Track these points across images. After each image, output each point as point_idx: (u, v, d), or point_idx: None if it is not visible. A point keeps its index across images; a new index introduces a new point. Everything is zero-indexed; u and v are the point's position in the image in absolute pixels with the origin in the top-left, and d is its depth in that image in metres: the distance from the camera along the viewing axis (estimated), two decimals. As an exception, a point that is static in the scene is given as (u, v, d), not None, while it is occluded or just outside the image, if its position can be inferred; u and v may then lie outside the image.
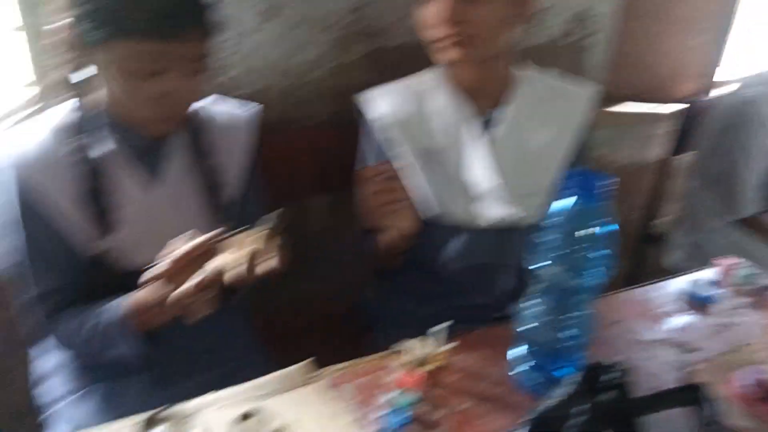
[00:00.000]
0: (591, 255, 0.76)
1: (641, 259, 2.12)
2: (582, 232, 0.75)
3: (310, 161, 1.43)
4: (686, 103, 1.91)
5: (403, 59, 1.49)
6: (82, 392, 1.05)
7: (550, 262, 0.78)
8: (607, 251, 0.77)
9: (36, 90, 1.31)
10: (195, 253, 0.81)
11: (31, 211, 0.93)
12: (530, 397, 0.86)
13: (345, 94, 1.46)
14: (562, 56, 1.68)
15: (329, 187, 1.50)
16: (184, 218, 1.03)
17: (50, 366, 1.12)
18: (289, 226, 0.85)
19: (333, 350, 1.43)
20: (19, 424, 1.45)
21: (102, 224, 0.96)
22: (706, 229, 1.77)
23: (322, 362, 1.37)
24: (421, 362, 0.87)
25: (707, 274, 1.19)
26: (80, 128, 0.94)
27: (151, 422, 0.73)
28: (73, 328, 0.96)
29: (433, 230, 1.21)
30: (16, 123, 1.22)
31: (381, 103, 1.20)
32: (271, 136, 1.16)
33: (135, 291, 0.92)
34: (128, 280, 0.99)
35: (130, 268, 0.99)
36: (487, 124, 1.18)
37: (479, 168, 1.15)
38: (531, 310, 0.85)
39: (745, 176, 1.64)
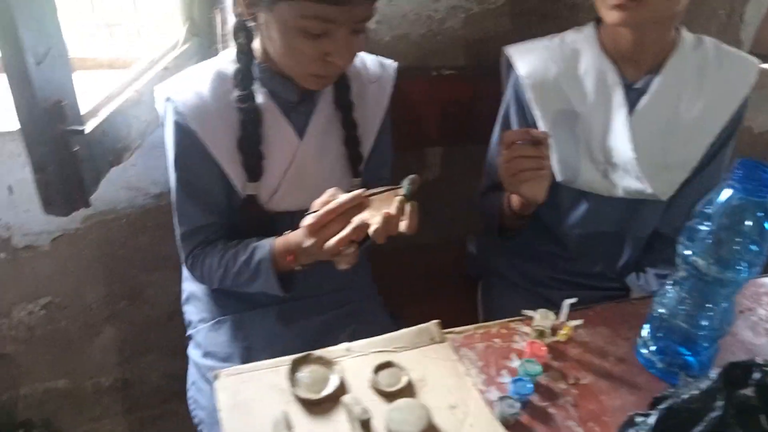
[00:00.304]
0: (743, 250, 0.73)
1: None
2: (740, 226, 0.72)
3: (435, 111, 1.43)
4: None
5: (538, 11, 1.43)
6: (212, 322, 1.16)
7: (699, 250, 0.75)
8: (760, 248, 0.73)
9: (183, 31, 1.38)
10: (347, 207, 0.86)
11: (190, 151, 1.01)
12: (654, 380, 0.86)
13: (478, 44, 1.43)
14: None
15: (451, 138, 1.50)
16: (326, 168, 1.09)
17: (189, 292, 1.25)
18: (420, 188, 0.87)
19: (440, 299, 1.50)
20: (153, 337, 1.63)
21: (253, 169, 1.03)
22: None
23: (430, 309, 1.44)
24: (545, 334, 0.88)
25: None
26: (239, 78, 0.99)
27: (297, 364, 0.80)
28: (223, 260, 1.05)
29: (560, 194, 1.19)
30: (170, 64, 1.30)
31: (531, 59, 1.15)
32: (402, 82, 1.16)
33: (284, 233, 0.99)
34: (271, 222, 1.07)
35: (274, 211, 1.07)
36: (635, 92, 1.11)
37: (618, 137, 1.10)
38: (669, 295, 0.83)
39: None
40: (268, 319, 1.15)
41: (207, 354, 1.14)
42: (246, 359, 1.10)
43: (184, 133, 1.00)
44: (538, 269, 1.33)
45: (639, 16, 0.97)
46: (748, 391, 0.68)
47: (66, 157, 1.00)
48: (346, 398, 0.74)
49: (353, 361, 0.82)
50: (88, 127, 1.05)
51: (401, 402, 0.75)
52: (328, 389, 0.77)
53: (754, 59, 1.11)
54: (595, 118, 1.11)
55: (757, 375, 0.67)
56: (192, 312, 1.22)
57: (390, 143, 1.20)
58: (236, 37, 0.98)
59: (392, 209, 0.85)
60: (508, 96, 1.19)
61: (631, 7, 0.95)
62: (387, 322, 1.26)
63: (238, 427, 0.72)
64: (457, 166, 1.64)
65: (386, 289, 1.32)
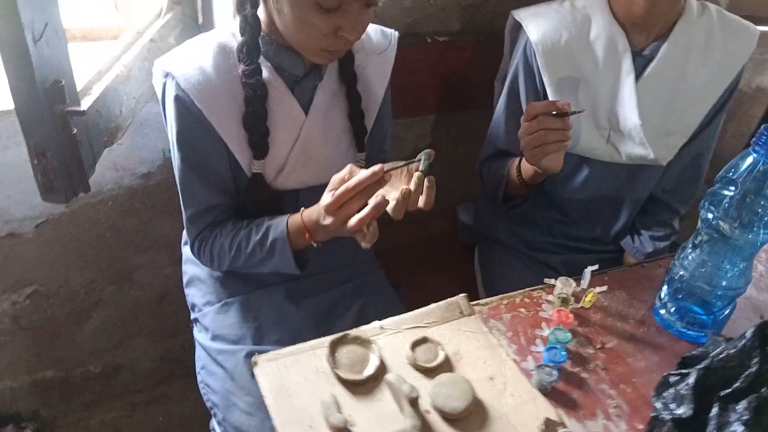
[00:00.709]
0: (765, 213, 0.76)
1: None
2: (765, 190, 0.74)
3: (431, 79, 1.41)
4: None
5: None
6: (220, 304, 1.13)
7: (723, 214, 0.78)
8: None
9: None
10: (367, 184, 0.84)
11: (194, 129, 0.96)
12: (674, 339, 0.89)
13: (470, 9, 1.41)
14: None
15: (445, 105, 1.49)
16: (332, 144, 1.06)
17: (191, 275, 1.22)
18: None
19: (435, 267, 1.51)
20: (143, 320, 1.59)
21: (259, 146, 0.99)
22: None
23: (427, 279, 1.45)
24: (568, 301, 0.90)
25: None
26: (244, 52, 0.94)
27: (334, 345, 0.79)
28: (235, 241, 1.02)
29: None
30: (155, 35, 1.23)
31: (542, 24, 1.14)
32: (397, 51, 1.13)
33: (299, 210, 0.97)
34: (278, 200, 1.05)
35: (280, 189, 1.04)
36: (643, 59, 1.12)
37: (626, 104, 1.12)
38: (689, 259, 0.86)
39: None
40: (276, 299, 1.13)
41: (216, 337, 1.12)
42: (257, 340, 1.09)
43: (187, 110, 0.96)
44: (536, 234, 1.36)
45: None
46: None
47: (66, 139, 0.94)
48: (389, 377, 0.74)
49: (388, 339, 0.82)
50: (84, 107, 0.99)
51: (444, 377, 0.76)
52: (370, 369, 0.76)
53: (755, 27, 1.14)
54: (602, 85, 1.12)
55: (788, 333, 0.71)
56: (196, 295, 1.19)
57: (390, 115, 1.19)
58: (241, 8, 0.94)
59: (412, 185, 0.84)
60: (516, 62, 1.18)
61: None
62: (392, 294, 1.26)
63: (286, 410, 0.71)
64: (446, 134, 1.64)
65: (383, 261, 1.32)
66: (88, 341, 1.54)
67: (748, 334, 0.71)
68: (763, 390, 0.68)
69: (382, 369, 0.78)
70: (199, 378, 1.14)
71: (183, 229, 1.09)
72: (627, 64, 1.10)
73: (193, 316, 1.20)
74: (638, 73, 1.11)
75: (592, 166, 1.20)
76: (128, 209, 1.39)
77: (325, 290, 1.17)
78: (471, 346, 0.83)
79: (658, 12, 1.07)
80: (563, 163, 1.21)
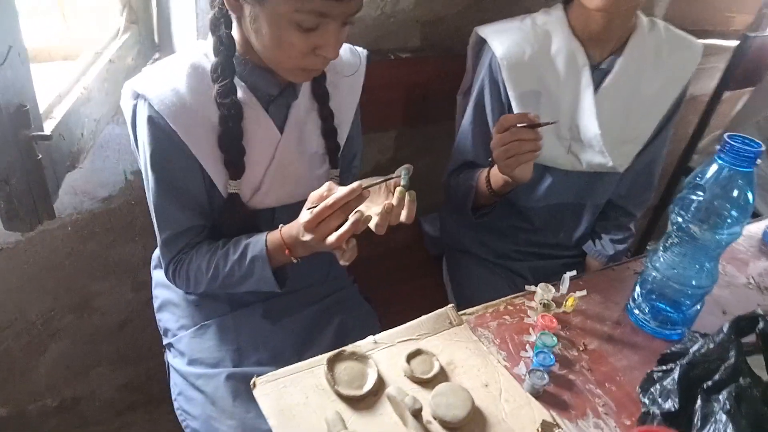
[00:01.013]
0: (730, 215, 0.82)
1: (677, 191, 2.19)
2: (729, 194, 0.80)
3: (395, 94, 1.43)
4: (739, 37, 1.91)
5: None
6: (195, 328, 1.11)
7: (693, 217, 0.83)
8: (743, 213, 0.82)
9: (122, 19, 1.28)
10: (345, 201, 0.85)
11: (168, 151, 0.94)
12: (649, 338, 0.94)
13: (429, 25, 1.45)
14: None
15: (409, 120, 1.51)
16: (306, 161, 1.06)
17: (164, 299, 1.18)
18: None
19: (404, 278, 1.53)
20: (104, 348, 1.53)
21: (235, 166, 0.98)
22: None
23: (398, 290, 1.46)
24: (550, 306, 0.94)
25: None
26: (218, 72, 0.93)
27: (331, 362, 0.79)
28: (212, 262, 1.00)
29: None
30: (113, 56, 1.20)
31: (506, 41, 1.18)
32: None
33: (277, 227, 0.96)
34: (254, 219, 1.04)
35: (257, 207, 1.04)
36: (601, 72, 1.18)
37: (586, 115, 1.17)
38: (660, 261, 0.91)
39: None
40: (254, 319, 1.12)
41: (193, 361, 1.09)
42: (237, 362, 1.07)
43: (161, 131, 0.94)
44: (502, 243, 1.40)
45: (620, 1, 1.03)
46: (752, 340, 0.77)
47: (31, 165, 0.91)
48: (390, 390, 0.75)
49: (383, 353, 0.83)
50: (47, 131, 0.96)
51: (443, 387, 0.78)
52: (369, 384, 0.77)
53: (699, 41, 1.23)
54: (563, 97, 1.18)
55: (761, 325, 0.76)
56: (169, 320, 1.16)
57: (360, 131, 1.20)
58: (216, 29, 0.93)
59: (394, 200, 0.85)
60: (482, 76, 1.22)
61: None
62: (368, 310, 1.27)
63: (291, 431, 0.71)
64: (408, 147, 1.66)
65: (353, 274, 1.32)
66: (45, 374, 1.47)
67: (725, 329, 0.76)
68: (741, 380, 0.73)
69: (380, 383, 0.78)
70: (176, 405, 1.11)
71: (145, 252, 1.05)
72: (586, 77, 1.16)
73: (166, 341, 1.17)
74: (596, 86, 1.17)
75: (554, 174, 1.26)
76: (88, 234, 1.34)
77: (302, 308, 1.17)
78: (463, 355, 0.85)
79: (614, 28, 1.13)
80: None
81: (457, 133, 1.34)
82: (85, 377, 1.53)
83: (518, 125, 1.00)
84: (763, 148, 0.81)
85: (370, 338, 0.85)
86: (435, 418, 0.75)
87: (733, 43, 1.92)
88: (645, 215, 2.01)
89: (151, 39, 1.37)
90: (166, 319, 1.17)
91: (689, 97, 2.03)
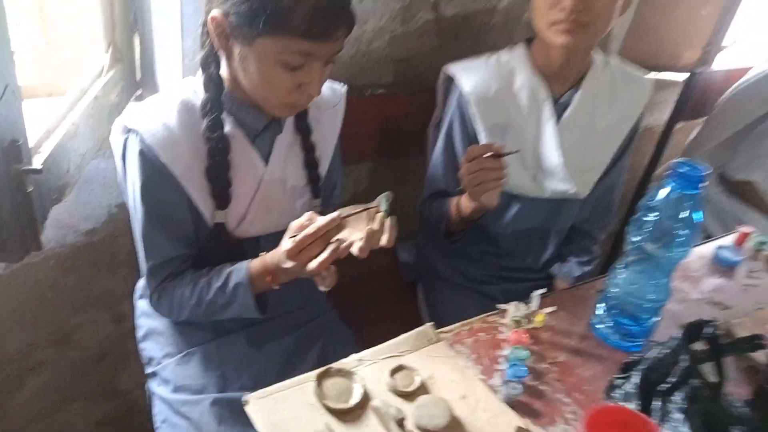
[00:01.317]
0: (681, 234, 0.90)
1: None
2: (678, 215, 0.89)
3: (369, 128, 1.51)
4: (688, 71, 2.05)
5: (452, 32, 1.57)
6: (180, 355, 1.14)
7: (647, 237, 0.91)
8: (692, 231, 0.91)
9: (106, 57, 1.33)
10: (325, 230, 0.91)
11: (158, 183, 0.99)
12: (612, 350, 1.01)
13: (402, 62, 1.54)
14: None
15: (381, 152, 1.59)
16: (289, 192, 1.12)
17: (148, 328, 1.21)
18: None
19: (381, 304, 1.58)
20: (81, 382, 1.53)
21: (221, 197, 1.03)
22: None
23: (375, 316, 1.51)
24: (521, 322, 1.00)
25: (728, 240, 1.37)
26: (207, 108, 0.99)
27: (320, 379, 0.84)
28: (195, 289, 1.05)
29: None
30: (99, 92, 1.25)
31: (473, 77, 1.27)
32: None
33: (259, 254, 1.01)
34: (239, 248, 1.09)
35: (242, 236, 1.08)
36: (561, 106, 1.28)
37: (548, 146, 1.27)
38: (620, 277, 0.99)
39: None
40: (238, 345, 1.15)
41: (178, 389, 1.11)
42: (222, 388, 1.10)
43: (150, 164, 0.99)
44: (472, 267, 1.47)
45: (582, 40, 1.14)
46: (701, 344, 0.85)
47: (21, 198, 0.94)
48: (375, 403, 0.80)
49: (368, 369, 0.88)
50: (36, 165, 0.99)
51: (423, 399, 0.83)
52: (356, 398, 0.82)
53: (649, 77, 1.34)
54: (527, 129, 1.27)
55: (708, 330, 0.84)
56: (154, 348, 1.18)
57: (340, 163, 1.26)
58: (206, 67, 0.99)
59: (375, 225, 0.91)
60: (451, 111, 1.31)
61: (579, 31, 1.12)
62: (348, 333, 1.32)
63: (283, 445, 0.75)
64: (382, 179, 1.73)
65: (332, 299, 1.37)
66: (21, 410, 1.46)
67: (677, 335, 0.83)
68: (693, 381, 0.80)
69: (366, 397, 0.83)
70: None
71: (126, 285, 1.07)
72: (547, 110, 1.26)
73: (150, 369, 1.19)
74: (557, 118, 1.27)
75: (521, 202, 1.34)
76: (70, 267, 1.36)
77: (284, 334, 1.21)
78: (443, 369, 0.90)
79: (572, 64, 1.24)
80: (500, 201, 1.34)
81: (428, 163, 1.41)
82: (61, 413, 1.53)
83: (484, 155, 1.07)
84: (711, 172, 0.90)
85: (354, 356, 0.90)
86: (418, 428, 0.80)
87: (683, 76, 2.06)
88: (608, 240, 2.11)
89: (133, 76, 1.42)
90: (150, 348, 1.19)
91: (644, 128, 2.17)
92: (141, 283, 1.22)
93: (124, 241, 1.39)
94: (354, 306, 1.49)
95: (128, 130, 1.00)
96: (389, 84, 1.56)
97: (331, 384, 0.84)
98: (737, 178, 1.89)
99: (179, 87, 1.05)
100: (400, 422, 0.77)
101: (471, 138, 1.28)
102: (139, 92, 1.43)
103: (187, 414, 1.08)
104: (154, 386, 1.17)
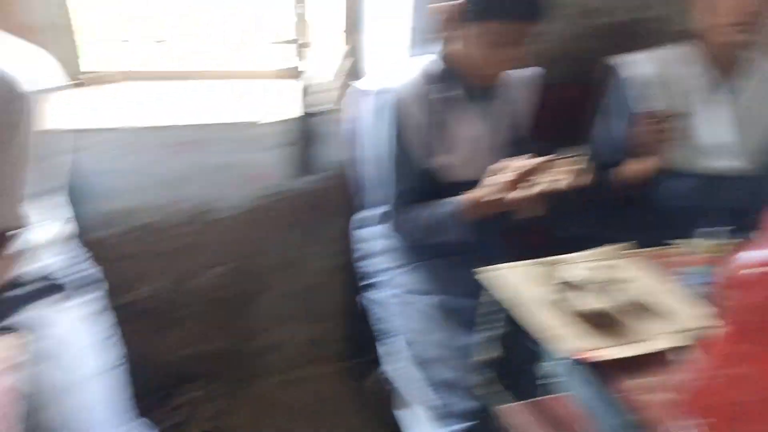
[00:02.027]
0: None
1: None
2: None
3: (552, 112, 1.74)
4: None
5: (619, 34, 1.80)
6: (411, 266, 1.46)
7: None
8: None
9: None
10: (529, 168, 1.18)
11: (406, 131, 1.34)
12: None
13: (577, 60, 1.77)
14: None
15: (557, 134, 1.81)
16: (496, 147, 1.43)
17: (377, 247, 1.54)
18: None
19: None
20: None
21: (443, 146, 1.36)
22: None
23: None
24: (702, 251, 1.18)
25: None
26: (438, 75, 1.34)
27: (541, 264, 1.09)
28: (419, 217, 1.37)
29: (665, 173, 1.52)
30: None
31: (639, 65, 1.52)
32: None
33: (469, 192, 1.30)
34: (453, 189, 1.38)
35: (456, 180, 1.39)
36: (730, 91, 1.50)
37: (721, 126, 1.48)
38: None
39: None
40: (450, 264, 1.44)
41: (410, 291, 1.43)
42: (444, 293, 1.39)
43: (403, 117, 1.33)
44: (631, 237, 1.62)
45: (753, 36, 1.36)
46: None
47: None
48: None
49: (574, 266, 1.11)
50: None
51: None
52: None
53: None
54: (698, 113, 1.49)
55: None
56: (380, 263, 1.52)
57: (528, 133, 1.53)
58: (446, 45, 1.33)
59: (571, 168, 1.16)
60: (611, 96, 1.56)
61: (751, 29, 1.35)
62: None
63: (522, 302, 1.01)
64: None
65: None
66: (250, 323, 1.84)
67: None
68: None
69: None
70: (380, 327, 1.45)
71: (346, 224, 1.54)
72: (719, 94, 1.49)
73: (372, 280, 1.52)
74: (725, 103, 1.50)
75: (689, 179, 1.52)
76: (306, 206, 1.74)
77: (483, 262, 1.46)
78: (637, 274, 1.12)
79: (738, 57, 1.46)
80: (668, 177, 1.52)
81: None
82: (284, 327, 1.90)
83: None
84: None
85: (561, 257, 1.13)
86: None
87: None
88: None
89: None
90: (375, 263, 1.52)
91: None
92: (358, 216, 1.58)
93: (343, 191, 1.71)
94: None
95: (385, 90, 1.34)
96: (566, 75, 1.76)
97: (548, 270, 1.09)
98: None
99: (420, 59, 1.39)
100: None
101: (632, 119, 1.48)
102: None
103: (418, 307, 1.39)
104: (375, 294, 1.49)
